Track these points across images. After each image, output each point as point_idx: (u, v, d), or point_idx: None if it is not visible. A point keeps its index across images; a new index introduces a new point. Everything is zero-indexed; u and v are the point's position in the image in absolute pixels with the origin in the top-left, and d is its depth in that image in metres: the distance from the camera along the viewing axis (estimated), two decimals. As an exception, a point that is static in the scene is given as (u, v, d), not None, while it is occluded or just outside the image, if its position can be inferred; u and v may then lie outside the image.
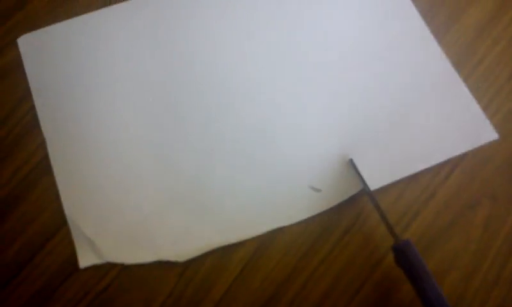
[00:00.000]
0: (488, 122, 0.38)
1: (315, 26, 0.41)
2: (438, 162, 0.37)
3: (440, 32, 0.42)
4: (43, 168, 0.36)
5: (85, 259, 0.33)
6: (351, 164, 0.36)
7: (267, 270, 0.35)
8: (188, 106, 0.38)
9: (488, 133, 0.38)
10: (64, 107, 0.38)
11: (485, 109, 0.39)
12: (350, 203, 0.37)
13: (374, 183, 0.36)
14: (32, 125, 0.38)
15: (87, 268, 0.34)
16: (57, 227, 0.35)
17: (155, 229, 0.34)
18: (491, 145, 0.38)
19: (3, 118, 0.38)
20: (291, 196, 0.36)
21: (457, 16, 0.43)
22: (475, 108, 0.39)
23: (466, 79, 0.40)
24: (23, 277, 0.34)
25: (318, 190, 0.36)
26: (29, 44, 0.40)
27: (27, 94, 0.39)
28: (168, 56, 0.40)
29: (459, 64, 0.41)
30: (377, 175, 0.36)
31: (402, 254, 0.31)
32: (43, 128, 0.37)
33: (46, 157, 0.37)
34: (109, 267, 0.34)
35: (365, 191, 0.36)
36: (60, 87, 0.38)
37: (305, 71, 0.40)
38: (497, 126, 0.39)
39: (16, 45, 0.40)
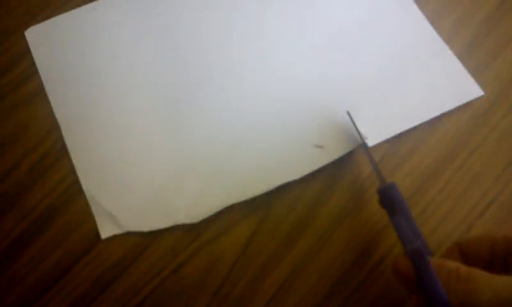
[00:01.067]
0: (472, 80, 0.41)
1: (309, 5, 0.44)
2: (428, 118, 0.40)
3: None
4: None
5: (106, 231, 0.35)
6: (349, 118, 0.39)
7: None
8: (194, 75, 0.41)
9: (473, 91, 0.41)
10: (76, 93, 0.39)
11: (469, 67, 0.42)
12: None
13: (371, 139, 0.39)
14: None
15: (122, 282, 0.35)
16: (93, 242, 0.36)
17: (169, 195, 0.37)
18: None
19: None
20: (296, 153, 0.38)
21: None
22: (459, 68, 0.42)
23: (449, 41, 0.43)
24: (58, 289, 0.34)
25: (320, 147, 0.38)
26: (37, 35, 0.42)
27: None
28: (175, 34, 0.42)
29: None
30: (374, 130, 0.39)
31: (387, 195, 0.33)
32: (57, 115, 0.39)
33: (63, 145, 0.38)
34: (144, 283, 0.35)
35: (360, 142, 0.38)
36: (71, 76, 0.40)
37: (301, 41, 0.43)
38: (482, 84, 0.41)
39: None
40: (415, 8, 0.44)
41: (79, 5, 0.43)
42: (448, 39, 0.43)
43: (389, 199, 0.33)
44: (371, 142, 0.38)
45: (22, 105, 0.40)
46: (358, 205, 0.38)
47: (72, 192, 0.37)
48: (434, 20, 0.44)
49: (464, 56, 0.42)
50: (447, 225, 0.37)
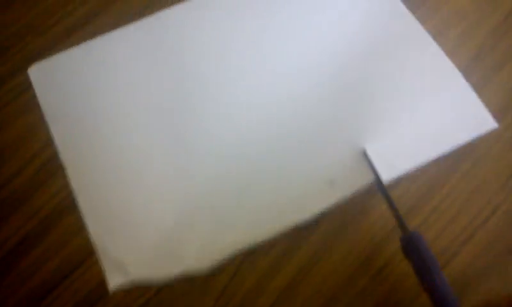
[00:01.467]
0: (486, 112, 0.39)
1: (311, 31, 0.43)
2: (443, 152, 0.38)
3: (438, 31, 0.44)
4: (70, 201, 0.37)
5: (114, 280, 0.34)
6: (364, 155, 0.37)
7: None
8: (203, 113, 0.40)
9: (488, 123, 0.39)
10: (81, 132, 0.39)
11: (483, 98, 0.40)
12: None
13: (386, 175, 0.37)
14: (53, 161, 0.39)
15: (115, 296, 0.34)
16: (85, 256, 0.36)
17: (179, 238, 0.35)
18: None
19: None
20: (308, 191, 0.37)
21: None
22: (473, 98, 0.40)
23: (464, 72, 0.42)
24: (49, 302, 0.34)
25: (332, 182, 0.37)
26: (40, 73, 0.41)
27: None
28: (178, 72, 0.41)
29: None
30: (389, 166, 0.37)
31: (411, 244, 0.32)
32: (61, 156, 0.38)
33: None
34: (139, 293, 0.35)
35: (376, 181, 0.36)
36: (75, 113, 0.39)
37: (310, 71, 0.41)
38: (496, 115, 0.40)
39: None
40: (429, 38, 0.43)
41: (80, 41, 0.43)
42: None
43: (413, 249, 0.32)
44: (386, 177, 0.37)
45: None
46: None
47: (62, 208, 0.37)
48: (450, 51, 0.43)
49: (468, 70, 0.42)
50: (450, 232, 0.38)
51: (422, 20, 0.44)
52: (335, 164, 0.38)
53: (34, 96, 0.40)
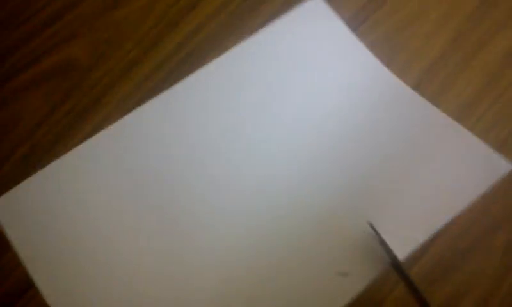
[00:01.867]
0: (496, 154, 0.38)
1: (298, 108, 0.41)
2: (459, 209, 0.36)
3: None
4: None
5: None
6: (374, 236, 0.35)
7: None
8: (186, 220, 0.37)
9: (500, 166, 0.37)
10: (60, 262, 0.35)
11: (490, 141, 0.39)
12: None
13: (401, 252, 0.34)
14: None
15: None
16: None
17: None
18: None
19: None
20: (320, 289, 0.34)
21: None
22: (479, 145, 0.38)
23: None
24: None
25: (346, 274, 0.34)
26: (5, 208, 0.37)
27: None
28: (156, 181, 0.38)
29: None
30: (403, 241, 0.34)
31: None
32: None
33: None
34: None
35: (392, 261, 0.34)
36: (49, 241, 0.36)
37: (299, 155, 0.39)
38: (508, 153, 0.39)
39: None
40: (416, 96, 0.41)
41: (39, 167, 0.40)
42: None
43: None
44: (401, 254, 0.34)
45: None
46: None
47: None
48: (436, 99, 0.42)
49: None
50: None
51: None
52: (346, 254, 0.35)
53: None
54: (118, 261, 0.36)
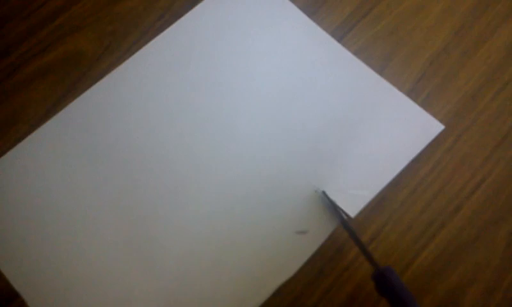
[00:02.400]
0: (429, 116, 0.40)
1: (251, 77, 0.42)
2: (400, 169, 0.38)
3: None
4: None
5: None
6: (324, 197, 0.37)
7: None
8: (154, 192, 0.38)
9: (434, 127, 0.40)
10: (24, 245, 0.36)
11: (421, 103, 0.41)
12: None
13: (352, 210, 0.37)
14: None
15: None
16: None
17: None
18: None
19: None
20: (282, 248, 0.36)
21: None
22: (412, 107, 0.41)
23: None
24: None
25: (305, 232, 0.36)
26: None
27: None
28: (117, 162, 0.39)
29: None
30: (352, 200, 0.37)
31: (384, 280, 0.30)
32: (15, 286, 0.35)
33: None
34: None
35: (342, 221, 0.36)
36: (17, 236, 0.37)
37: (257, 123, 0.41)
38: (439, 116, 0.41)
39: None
40: (354, 59, 0.43)
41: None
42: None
43: (387, 285, 0.30)
44: (352, 212, 0.37)
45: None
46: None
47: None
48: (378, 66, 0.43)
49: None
50: (437, 204, 0.38)
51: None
52: (303, 214, 0.37)
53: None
54: (81, 238, 0.36)
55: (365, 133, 0.40)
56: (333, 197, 0.37)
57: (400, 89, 0.42)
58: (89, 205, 0.37)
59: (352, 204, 0.37)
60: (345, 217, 0.36)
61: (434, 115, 0.41)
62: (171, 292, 0.35)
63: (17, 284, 0.35)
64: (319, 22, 0.44)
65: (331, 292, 0.36)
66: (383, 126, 0.40)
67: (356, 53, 0.43)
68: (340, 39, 0.44)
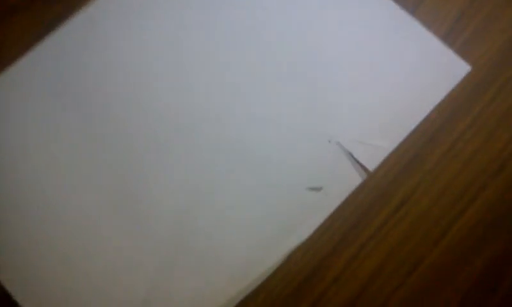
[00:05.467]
0: (454, 56, 0.36)
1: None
2: (424, 116, 0.35)
3: None
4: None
5: None
6: (340, 148, 0.33)
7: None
8: (141, 148, 0.33)
9: (459, 68, 0.36)
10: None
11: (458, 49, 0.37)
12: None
13: (370, 163, 0.33)
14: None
15: None
16: None
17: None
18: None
19: None
20: (291, 207, 0.32)
21: None
22: (438, 46, 0.37)
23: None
24: None
25: (318, 189, 0.33)
26: None
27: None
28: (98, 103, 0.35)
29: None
30: (371, 153, 0.33)
31: None
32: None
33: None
34: None
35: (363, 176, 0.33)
36: None
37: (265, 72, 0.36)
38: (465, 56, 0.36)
39: None
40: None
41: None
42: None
43: None
44: (370, 165, 0.33)
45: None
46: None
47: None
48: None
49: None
50: (477, 163, 0.34)
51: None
52: (314, 168, 0.33)
53: None
54: (57, 195, 0.32)
55: (384, 77, 0.35)
56: (349, 148, 0.33)
57: (434, 31, 0.36)
58: (70, 159, 0.33)
59: (371, 157, 0.33)
60: (361, 172, 0.33)
61: (473, 63, 0.36)
62: (168, 254, 0.31)
63: None
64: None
65: (355, 264, 0.32)
66: (404, 69, 0.36)
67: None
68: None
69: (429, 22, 0.37)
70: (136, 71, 0.35)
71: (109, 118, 0.34)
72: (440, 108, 0.35)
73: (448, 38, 0.37)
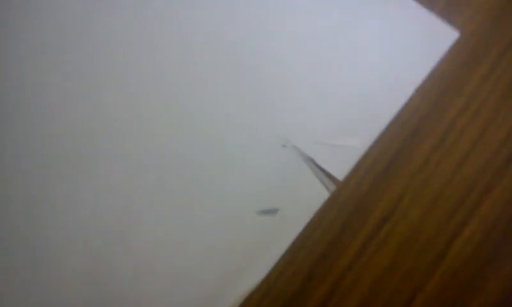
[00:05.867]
0: (437, 20, 0.31)
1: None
2: (403, 102, 0.29)
3: None
4: None
5: None
6: (299, 154, 0.28)
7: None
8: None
9: (445, 35, 0.30)
10: None
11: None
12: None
13: (339, 169, 0.28)
14: None
15: None
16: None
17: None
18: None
19: None
20: (241, 241, 0.26)
21: None
22: (415, 10, 0.31)
23: None
24: None
25: (274, 212, 0.27)
26: None
27: None
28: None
29: None
30: (339, 156, 0.28)
31: None
32: None
33: None
34: None
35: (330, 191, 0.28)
36: None
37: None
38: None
39: None
40: None
41: None
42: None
43: None
44: (339, 174, 0.28)
45: None
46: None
47: None
48: None
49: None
50: (477, 157, 0.28)
51: None
52: (266, 184, 0.28)
53: None
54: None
55: (350, 56, 0.30)
56: (309, 153, 0.28)
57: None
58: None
59: (339, 162, 0.28)
60: (328, 183, 0.28)
61: (460, 28, 0.30)
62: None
63: None
64: None
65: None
66: (374, 42, 0.30)
67: None
68: None
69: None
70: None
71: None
72: (424, 90, 0.29)
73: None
